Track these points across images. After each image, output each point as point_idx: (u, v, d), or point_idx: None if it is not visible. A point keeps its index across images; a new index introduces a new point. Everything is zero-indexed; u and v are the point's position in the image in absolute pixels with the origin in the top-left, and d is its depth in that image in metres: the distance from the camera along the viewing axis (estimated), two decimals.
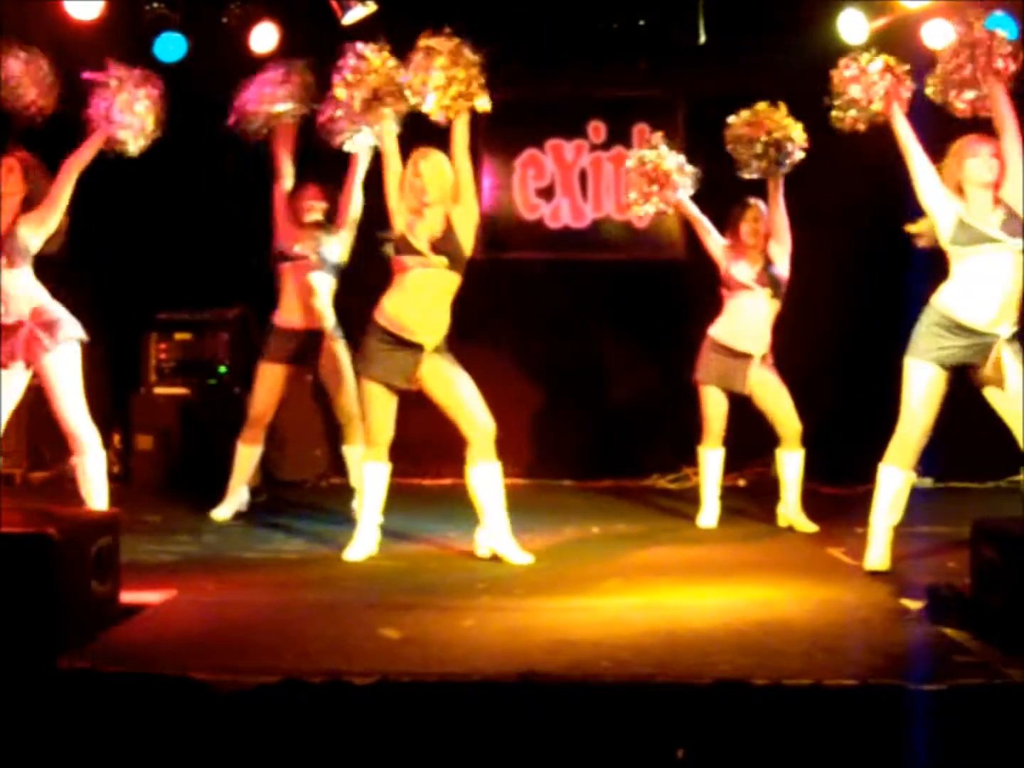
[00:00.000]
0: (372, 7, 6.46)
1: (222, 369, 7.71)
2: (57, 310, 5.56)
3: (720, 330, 6.50)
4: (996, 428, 5.54)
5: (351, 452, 6.61)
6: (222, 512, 6.57)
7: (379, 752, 3.31)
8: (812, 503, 6.65)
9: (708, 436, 6.58)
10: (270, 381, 6.56)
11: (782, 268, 6.45)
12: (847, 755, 3.27)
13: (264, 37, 6.95)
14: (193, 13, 6.88)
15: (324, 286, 6.58)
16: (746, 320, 6.44)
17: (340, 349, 6.54)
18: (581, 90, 7.93)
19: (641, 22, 7.28)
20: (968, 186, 5.15)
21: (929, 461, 7.15)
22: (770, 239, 6.44)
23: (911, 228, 5.53)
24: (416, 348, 5.46)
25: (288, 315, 6.56)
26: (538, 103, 7.98)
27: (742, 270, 6.44)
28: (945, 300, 5.19)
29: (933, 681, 3.47)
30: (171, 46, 6.91)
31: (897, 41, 6.56)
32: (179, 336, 7.72)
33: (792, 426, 6.45)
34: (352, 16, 6.47)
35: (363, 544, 5.56)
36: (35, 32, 6.09)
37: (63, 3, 6.59)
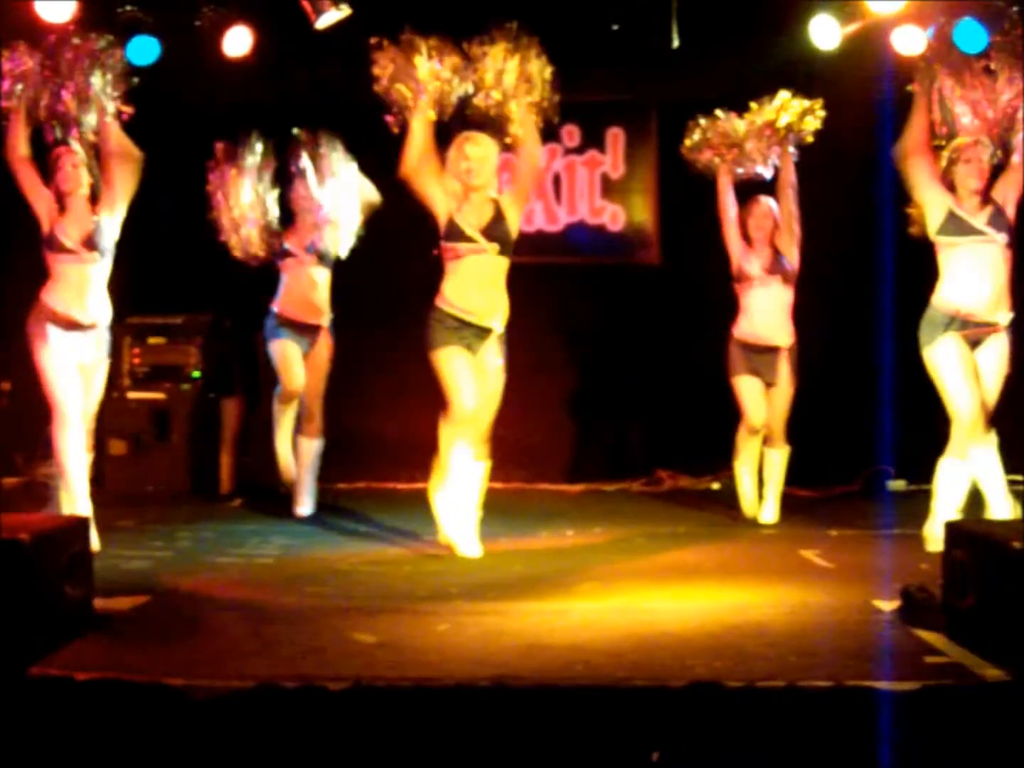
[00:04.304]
0: (346, 11, 6.43)
1: (195, 374, 7.69)
2: None
3: (743, 329, 6.54)
4: None
5: (306, 444, 6.76)
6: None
7: (354, 757, 3.30)
8: (785, 505, 6.68)
9: (748, 429, 6.58)
10: (291, 356, 6.70)
11: (791, 258, 6.51)
12: (820, 756, 3.27)
13: (238, 40, 6.94)
14: (166, 16, 6.85)
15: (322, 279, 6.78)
16: (764, 312, 6.50)
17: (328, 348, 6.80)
18: (555, 94, 7.91)
19: (615, 27, 7.30)
20: (960, 188, 5.42)
21: (902, 463, 7.17)
22: (778, 230, 6.51)
23: (911, 210, 5.72)
24: (484, 331, 5.57)
25: (291, 307, 6.75)
26: None
27: (752, 263, 6.50)
28: (945, 296, 5.40)
29: (905, 682, 3.49)
30: (144, 49, 6.87)
31: (868, 46, 6.63)
32: (152, 341, 7.70)
33: (780, 425, 6.55)
34: (325, 20, 6.44)
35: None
36: (9, 35, 6.06)
37: (34, 4, 6.55)
